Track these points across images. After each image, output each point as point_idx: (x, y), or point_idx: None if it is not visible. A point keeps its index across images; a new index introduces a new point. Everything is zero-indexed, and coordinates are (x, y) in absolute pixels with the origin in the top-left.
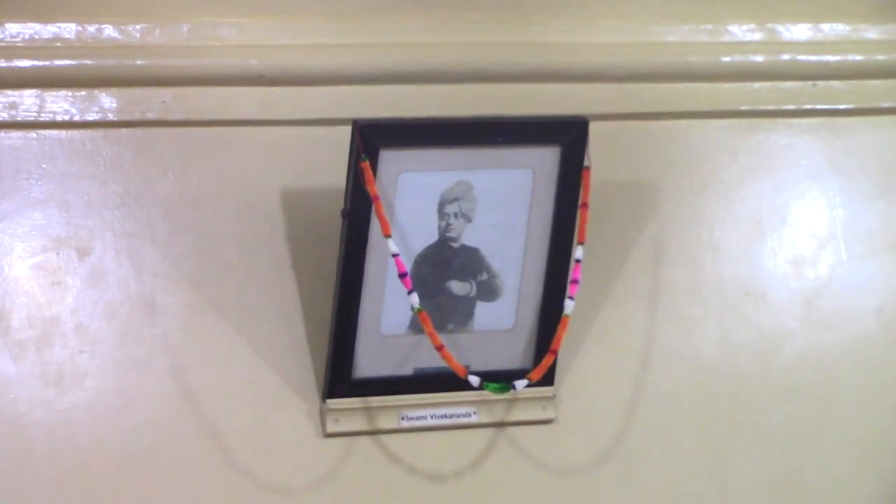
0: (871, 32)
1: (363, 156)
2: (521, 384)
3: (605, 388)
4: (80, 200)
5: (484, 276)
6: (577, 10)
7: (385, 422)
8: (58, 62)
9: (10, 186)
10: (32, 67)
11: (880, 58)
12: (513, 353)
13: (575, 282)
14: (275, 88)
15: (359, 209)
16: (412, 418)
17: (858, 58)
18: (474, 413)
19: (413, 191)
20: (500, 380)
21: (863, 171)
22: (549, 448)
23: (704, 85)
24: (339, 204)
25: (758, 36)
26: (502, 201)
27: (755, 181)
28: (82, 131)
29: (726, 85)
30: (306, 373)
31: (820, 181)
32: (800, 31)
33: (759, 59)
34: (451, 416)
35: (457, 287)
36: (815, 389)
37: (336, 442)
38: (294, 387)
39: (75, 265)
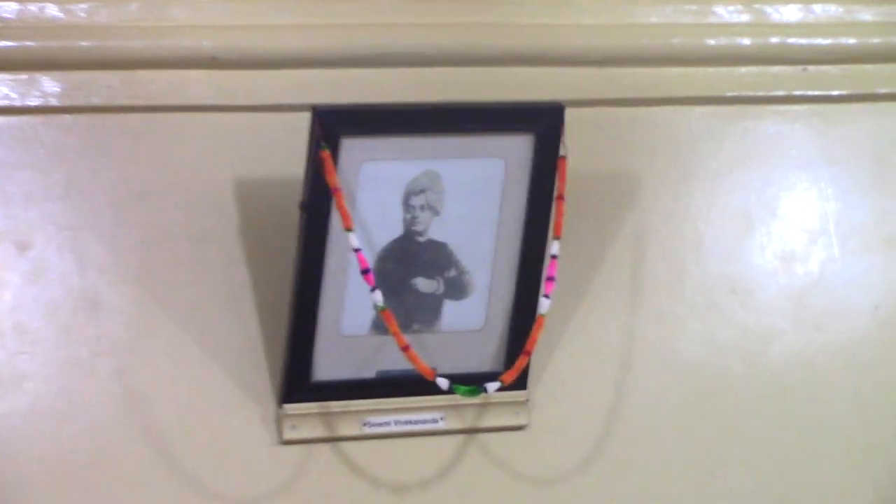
0: (866, 14)
1: (323, 144)
2: (492, 387)
3: (582, 391)
4: (20, 191)
5: (452, 273)
6: None
7: (346, 428)
8: None
9: None
10: None
11: (875, 41)
12: (483, 355)
13: (550, 279)
14: (229, 72)
15: (318, 201)
16: (375, 424)
17: (852, 41)
18: (442, 419)
19: (376, 181)
20: (470, 383)
21: (857, 161)
22: (522, 456)
23: (689, 69)
24: (297, 195)
25: (745, 17)
26: (472, 193)
27: (742, 172)
28: (22, 117)
29: (712, 69)
30: (261, 375)
31: (811, 172)
32: (790, 13)
33: (747, 41)
34: (416, 423)
35: (423, 284)
36: (806, 392)
37: (293, 450)
38: (248, 390)
39: (14, 260)
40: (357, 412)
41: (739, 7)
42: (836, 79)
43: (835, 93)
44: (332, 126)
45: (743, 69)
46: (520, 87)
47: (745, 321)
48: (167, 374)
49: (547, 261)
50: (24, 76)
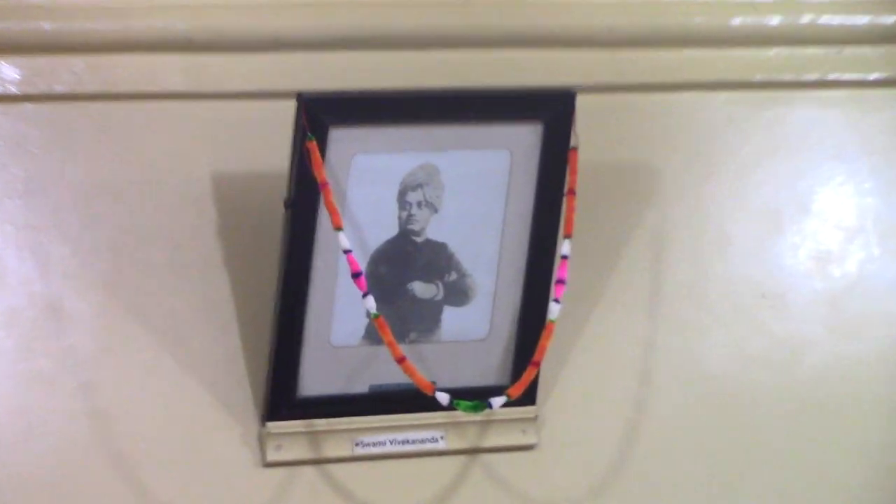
0: None
1: (309, 135)
2: (497, 402)
3: (596, 407)
4: None
5: (452, 276)
6: None
7: (335, 449)
8: None
9: None
10: None
11: None
12: (487, 367)
13: (561, 282)
14: (206, 56)
15: (305, 197)
16: (368, 444)
17: (892, 19)
18: (442, 438)
19: (368, 176)
20: (473, 398)
21: None
22: (530, 479)
23: (712, 51)
24: (282, 191)
25: None
26: (474, 188)
27: (772, 164)
28: None
29: (737, 51)
30: (242, 391)
31: (847, 163)
32: None
33: (776, 21)
34: (413, 442)
35: (420, 289)
36: (842, 408)
37: (277, 472)
38: (227, 407)
39: None
40: (348, 431)
41: None
42: (874, 61)
43: (873, 76)
44: (320, 115)
45: (772, 51)
46: (526, 71)
47: (776, 329)
48: (138, 389)
49: (557, 262)
50: None
